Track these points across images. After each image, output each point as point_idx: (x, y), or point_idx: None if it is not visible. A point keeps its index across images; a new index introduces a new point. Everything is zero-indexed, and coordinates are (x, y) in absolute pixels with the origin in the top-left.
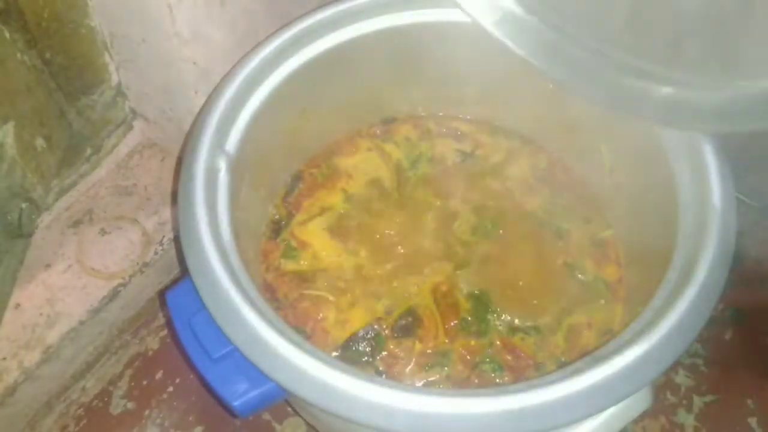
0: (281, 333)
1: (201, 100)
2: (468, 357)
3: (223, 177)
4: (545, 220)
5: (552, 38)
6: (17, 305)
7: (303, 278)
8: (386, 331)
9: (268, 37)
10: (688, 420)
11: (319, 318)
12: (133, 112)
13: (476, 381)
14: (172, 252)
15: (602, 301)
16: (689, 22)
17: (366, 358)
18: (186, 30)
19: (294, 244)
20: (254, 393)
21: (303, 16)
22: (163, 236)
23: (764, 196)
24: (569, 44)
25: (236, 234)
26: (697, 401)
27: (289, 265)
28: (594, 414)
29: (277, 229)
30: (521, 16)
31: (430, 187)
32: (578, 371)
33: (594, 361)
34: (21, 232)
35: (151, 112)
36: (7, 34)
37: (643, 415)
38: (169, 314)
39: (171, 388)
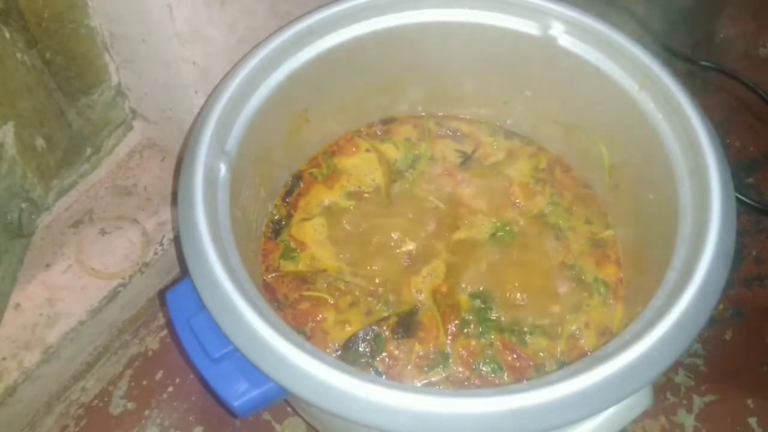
0: (281, 333)
1: (201, 100)
2: (468, 358)
3: (223, 177)
4: (545, 221)
5: None
6: (17, 305)
7: (303, 279)
8: (386, 333)
9: (268, 37)
10: (688, 420)
11: (318, 319)
12: (133, 112)
13: (476, 382)
14: (172, 252)
15: (602, 302)
16: None
17: (365, 359)
18: (186, 30)
19: (293, 245)
20: (254, 393)
21: (303, 16)
22: (163, 236)
23: (764, 196)
24: None
25: (236, 234)
26: (697, 401)
27: (288, 266)
28: (594, 414)
29: (277, 229)
30: None
31: (430, 187)
32: (578, 371)
33: (594, 361)
34: (21, 232)
35: (151, 112)
36: (7, 34)
37: (643, 415)
38: (169, 314)
39: (171, 388)
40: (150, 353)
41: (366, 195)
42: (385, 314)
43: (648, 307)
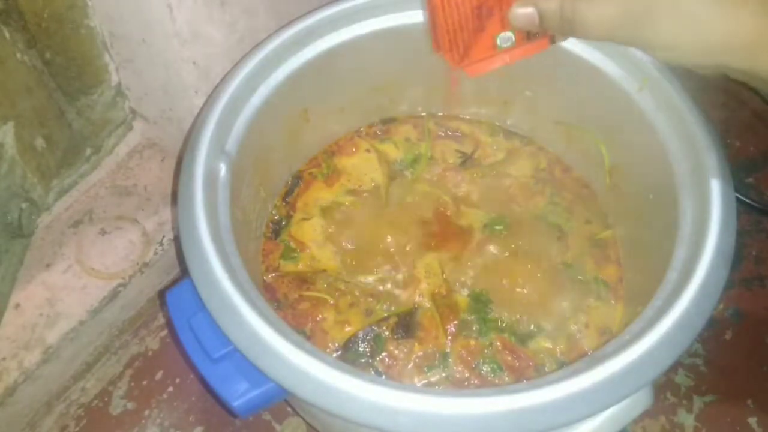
0: (281, 333)
1: (201, 100)
2: (468, 358)
3: (223, 177)
4: (545, 221)
5: None
6: (17, 305)
7: (302, 279)
8: (386, 333)
9: (268, 37)
10: (688, 420)
11: (318, 319)
12: (133, 112)
13: (476, 382)
14: (172, 252)
15: (602, 302)
16: None
17: (365, 359)
18: (186, 30)
19: (293, 245)
20: (254, 393)
21: (303, 16)
22: (163, 236)
23: (764, 196)
24: None
25: (236, 234)
26: (697, 401)
27: (288, 266)
28: (594, 414)
29: (277, 229)
30: None
31: (430, 187)
32: (578, 371)
33: (594, 361)
34: (21, 232)
35: (151, 112)
36: (7, 34)
37: (643, 415)
38: (169, 314)
39: (171, 388)
40: (150, 353)
41: (365, 195)
42: (385, 314)
43: (648, 307)
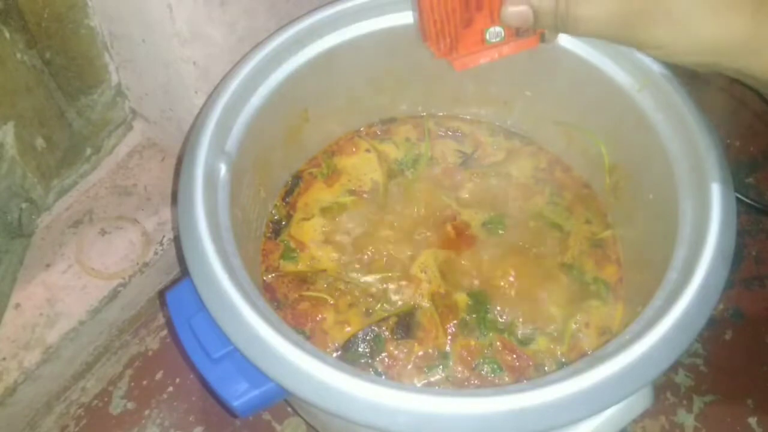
0: (281, 333)
1: (201, 100)
2: (468, 358)
3: (223, 177)
4: (545, 221)
5: None
6: (17, 305)
7: (302, 279)
8: (386, 333)
9: (268, 37)
10: (688, 420)
11: (318, 319)
12: (133, 112)
13: (476, 382)
14: (172, 252)
15: (602, 302)
16: None
17: (365, 359)
18: (186, 30)
19: (293, 245)
20: (254, 393)
21: (303, 16)
22: (163, 236)
23: (764, 196)
24: None
25: (236, 234)
26: (697, 401)
27: (288, 266)
28: (594, 414)
29: (277, 229)
30: None
31: (430, 187)
32: (578, 371)
33: (594, 361)
34: (21, 232)
35: (151, 112)
36: (7, 34)
37: (643, 415)
38: (169, 314)
39: (171, 388)
40: (150, 353)
41: (365, 195)
42: (385, 314)
43: (648, 307)
